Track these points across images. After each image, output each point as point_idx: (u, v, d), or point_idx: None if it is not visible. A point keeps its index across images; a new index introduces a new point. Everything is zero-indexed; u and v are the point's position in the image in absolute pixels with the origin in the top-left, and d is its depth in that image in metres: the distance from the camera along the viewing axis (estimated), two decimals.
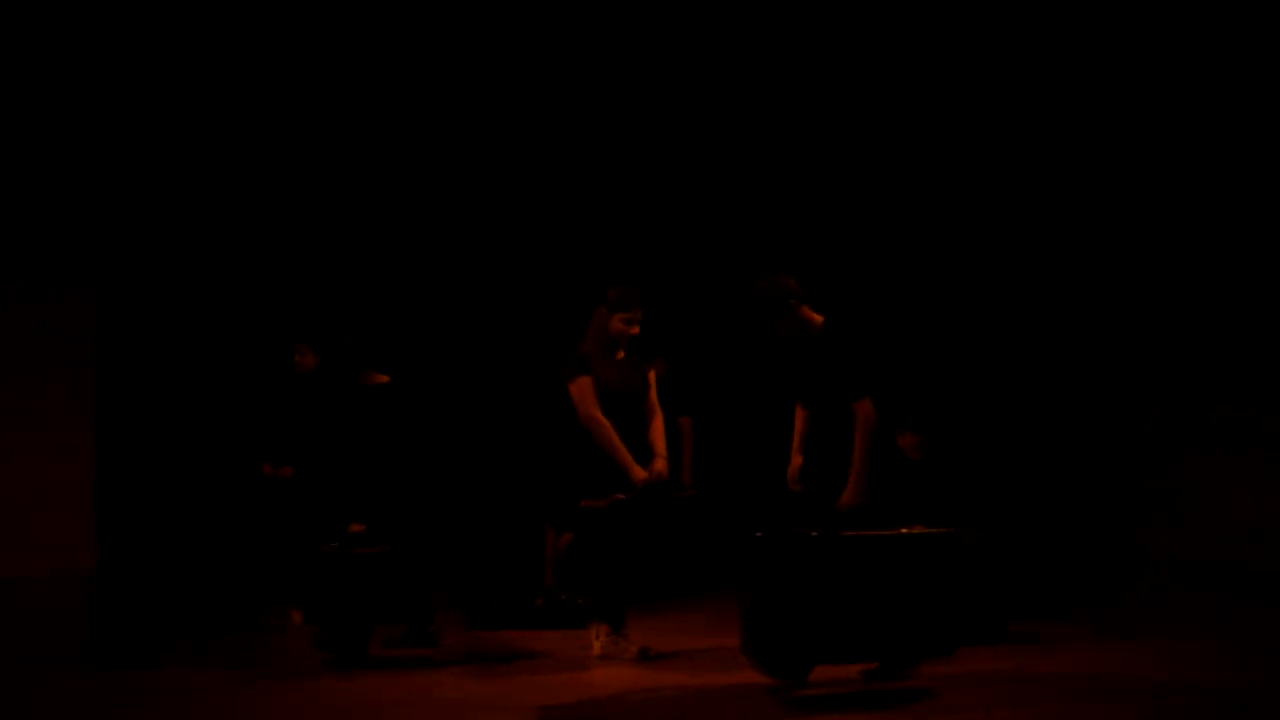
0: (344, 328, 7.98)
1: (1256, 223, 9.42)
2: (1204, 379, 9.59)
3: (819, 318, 6.30)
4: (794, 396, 6.54)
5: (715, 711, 5.69)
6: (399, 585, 6.83)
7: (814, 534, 5.83)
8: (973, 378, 10.04)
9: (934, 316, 10.31)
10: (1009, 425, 9.97)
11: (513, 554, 9.10)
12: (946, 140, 10.33)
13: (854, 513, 6.04)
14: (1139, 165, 9.95)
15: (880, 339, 6.36)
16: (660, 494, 6.82)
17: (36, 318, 9.72)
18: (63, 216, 9.97)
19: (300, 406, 8.02)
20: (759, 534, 5.80)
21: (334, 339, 7.96)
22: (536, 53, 10.41)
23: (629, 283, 6.96)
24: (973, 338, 10.22)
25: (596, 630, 6.83)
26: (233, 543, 9.64)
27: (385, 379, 7.37)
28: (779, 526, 5.98)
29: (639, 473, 6.73)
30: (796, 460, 6.43)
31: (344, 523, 7.03)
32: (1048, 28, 9.98)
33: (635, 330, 6.87)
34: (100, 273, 10.08)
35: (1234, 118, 9.48)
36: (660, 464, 6.87)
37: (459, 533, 9.76)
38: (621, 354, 6.90)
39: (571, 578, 8.00)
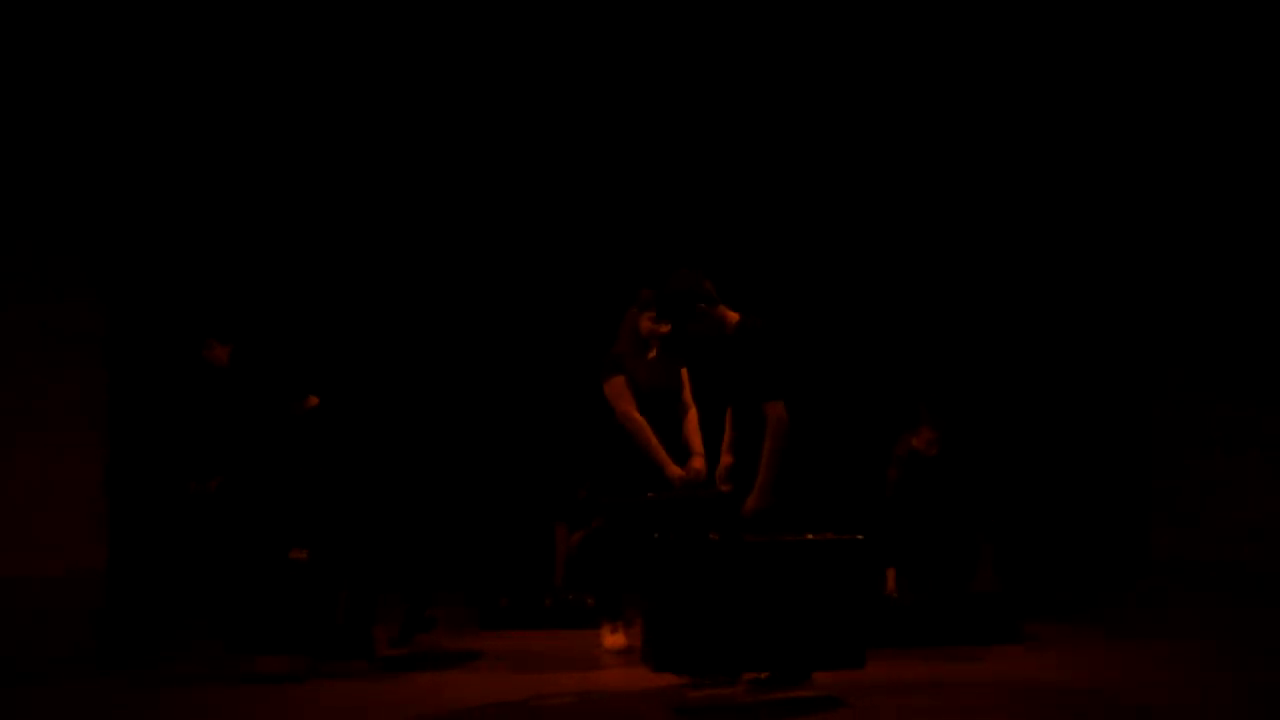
0: (271, 354, 7.75)
1: (1256, 226, 9.42)
2: (1205, 380, 9.59)
3: (734, 316, 6.17)
4: (712, 396, 6.46)
5: (725, 712, 5.67)
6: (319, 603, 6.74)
7: (713, 538, 5.72)
8: (979, 381, 10.04)
9: (942, 321, 10.31)
10: (1013, 427, 9.96)
11: (521, 554, 9.10)
12: (960, 147, 10.32)
13: (761, 517, 5.89)
14: (1142, 172, 9.94)
15: (797, 340, 6.20)
16: (696, 491, 6.75)
17: (38, 317, 9.68)
18: (65, 215, 9.94)
19: (218, 408, 7.65)
20: (656, 536, 5.73)
21: (245, 331, 7.75)
22: (498, 58, 10.43)
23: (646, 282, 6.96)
24: (978, 342, 10.22)
25: (611, 627, 6.92)
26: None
27: (315, 401, 7.26)
28: (684, 530, 5.90)
29: (675, 470, 6.75)
30: (725, 460, 6.29)
31: (285, 549, 6.91)
32: (1053, 29, 9.97)
33: (665, 329, 6.90)
34: (103, 272, 10.07)
35: (1236, 126, 9.48)
36: (698, 462, 6.89)
37: (466, 534, 9.79)
38: (653, 353, 6.96)
39: (586, 575, 7.97)
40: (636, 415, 6.79)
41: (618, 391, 6.83)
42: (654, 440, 6.77)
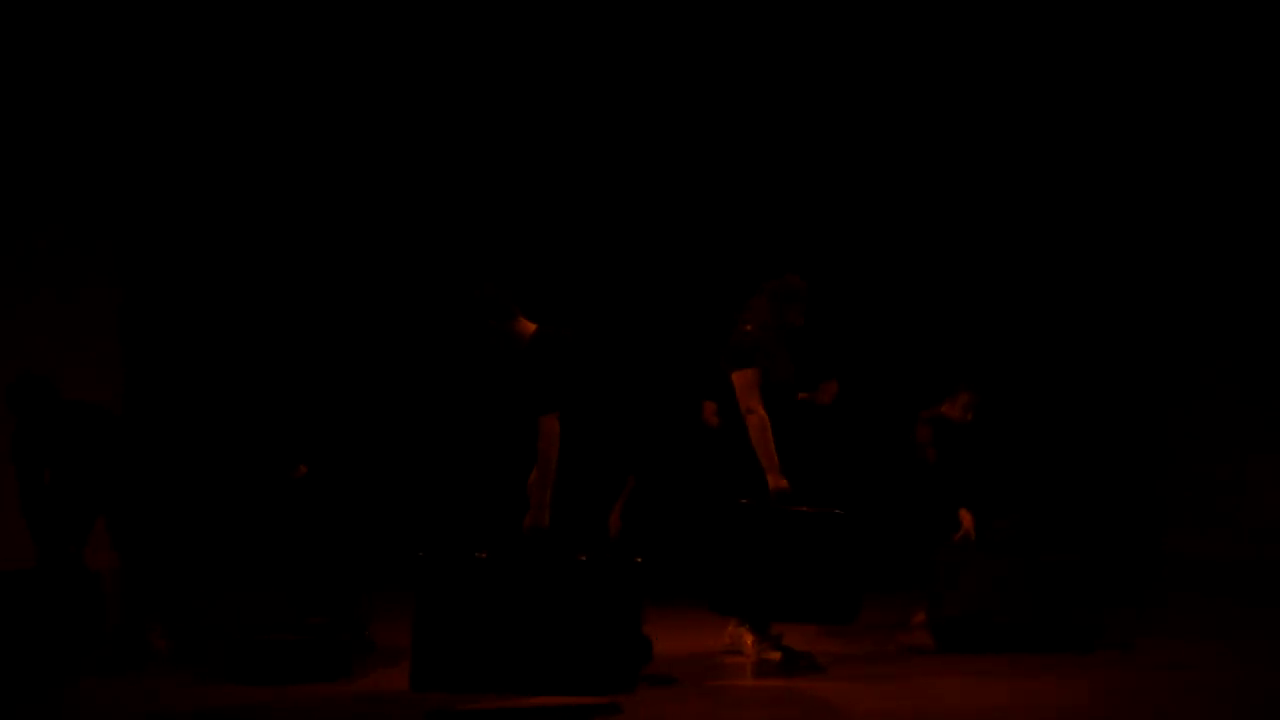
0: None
1: (1267, 230, 9.39)
2: (1228, 383, 9.55)
3: (531, 327, 5.99)
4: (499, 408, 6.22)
5: (749, 713, 5.67)
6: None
7: (480, 556, 5.55)
8: (1001, 382, 10.00)
9: (957, 324, 10.26)
10: (1035, 430, 9.90)
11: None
12: (986, 153, 10.29)
13: (536, 535, 5.67)
14: (1165, 178, 9.90)
15: (589, 354, 6.01)
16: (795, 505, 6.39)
17: (58, 313, 9.79)
18: (85, 212, 10.05)
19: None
20: (421, 553, 5.56)
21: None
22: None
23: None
24: (992, 345, 10.17)
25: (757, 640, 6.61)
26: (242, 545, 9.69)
27: (304, 470, 7.28)
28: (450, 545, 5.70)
29: (781, 481, 6.34)
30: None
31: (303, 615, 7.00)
32: (1077, 30, 9.92)
33: (800, 323, 6.66)
34: (123, 268, 10.16)
35: (1256, 133, 9.43)
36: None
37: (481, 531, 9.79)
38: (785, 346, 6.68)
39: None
40: (762, 410, 6.37)
41: (750, 383, 6.41)
42: (773, 444, 6.35)
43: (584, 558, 5.58)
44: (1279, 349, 9.39)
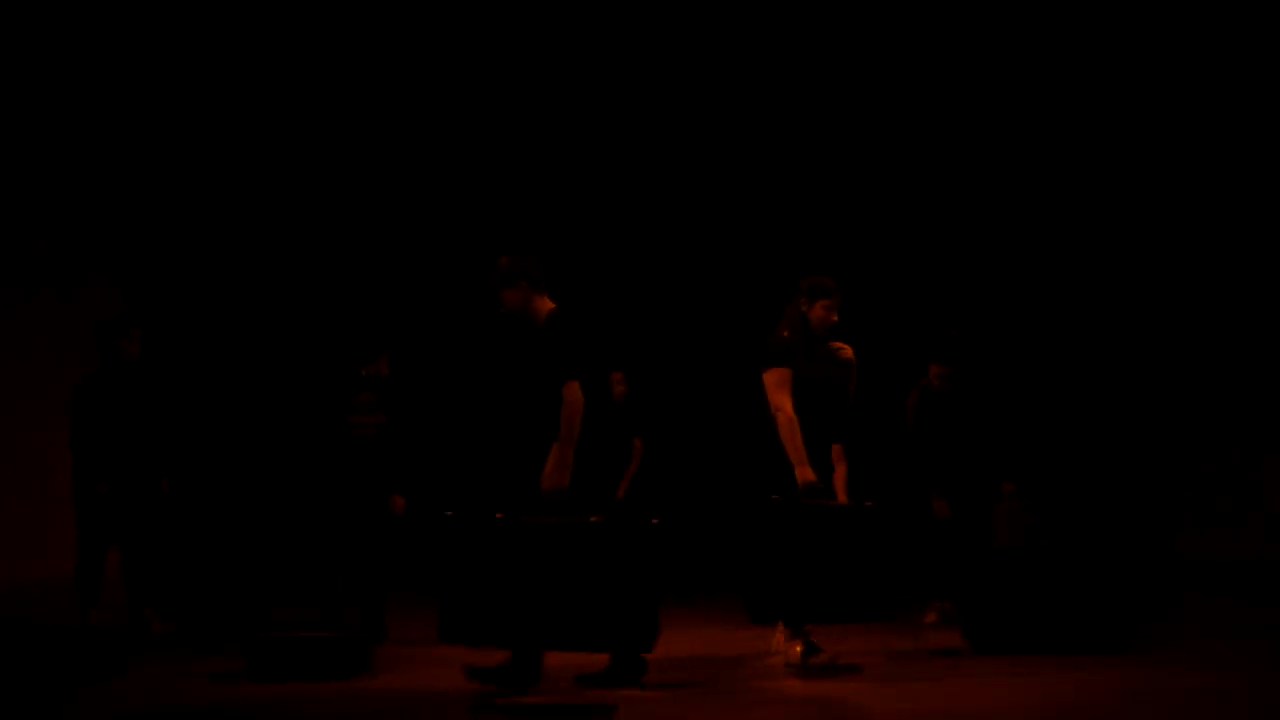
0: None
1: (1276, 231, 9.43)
2: (1229, 383, 9.57)
3: (550, 306, 6.08)
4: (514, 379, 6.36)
5: (768, 712, 5.66)
6: None
7: (499, 517, 5.69)
8: (1006, 384, 10.04)
9: (976, 324, 10.29)
10: (1036, 429, 9.94)
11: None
12: (1001, 156, 10.31)
13: (557, 496, 5.77)
14: (1173, 181, 9.94)
15: (598, 327, 6.09)
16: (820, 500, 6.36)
17: (58, 313, 9.78)
18: (85, 212, 10.03)
19: (122, 401, 7.63)
20: (448, 513, 5.70)
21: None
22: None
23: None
24: (1012, 342, 10.20)
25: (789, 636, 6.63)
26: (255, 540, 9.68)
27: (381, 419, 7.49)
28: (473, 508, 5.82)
29: (809, 475, 6.35)
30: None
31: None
32: (1096, 34, 9.97)
33: (835, 318, 6.62)
34: (123, 268, 10.15)
35: (1272, 139, 9.48)
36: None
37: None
38: (819, 344, 6.63)
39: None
40: (791, 411, 6.39)
41: (778, 382, 6.44)
42: (800, 440, 6.35)
43: (598, 519, 5.70)
44: (1277, 349, 9.43)
